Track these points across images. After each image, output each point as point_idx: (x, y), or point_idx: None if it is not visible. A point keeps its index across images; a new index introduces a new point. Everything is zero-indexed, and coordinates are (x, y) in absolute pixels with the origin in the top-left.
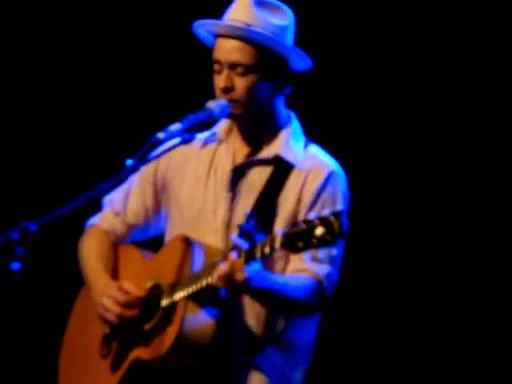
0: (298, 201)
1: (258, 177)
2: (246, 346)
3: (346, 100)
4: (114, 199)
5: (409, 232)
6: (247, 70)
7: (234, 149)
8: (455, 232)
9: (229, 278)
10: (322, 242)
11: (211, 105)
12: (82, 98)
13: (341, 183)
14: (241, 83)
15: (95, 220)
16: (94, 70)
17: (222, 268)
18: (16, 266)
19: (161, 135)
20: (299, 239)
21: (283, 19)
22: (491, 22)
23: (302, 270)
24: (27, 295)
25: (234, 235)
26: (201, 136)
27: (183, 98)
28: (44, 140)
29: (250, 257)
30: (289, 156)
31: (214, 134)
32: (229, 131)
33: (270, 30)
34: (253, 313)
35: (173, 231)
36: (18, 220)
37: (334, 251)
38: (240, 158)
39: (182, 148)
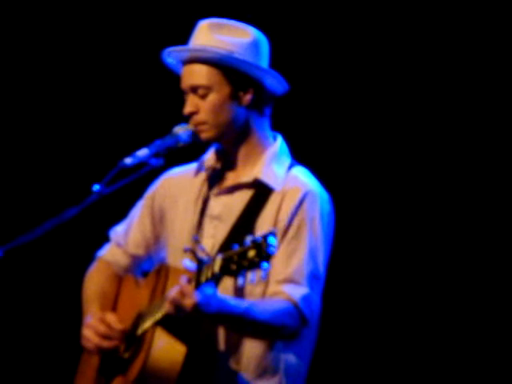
0: (275, 223)
1: (238, 201)
2: (227, 374)
3: (336, 122)
4: (117, 231)
5: (401, 246)
6: (208, 91)
7: (220, 175)
8: (449, 239)
9: (178, 303)
10: (252, 265)
11: (178, 130)
12: (50, 124)
13: (318, 204)
14: (204, 104)
15: (101, 252)
16: (62, 96)
17: (172, 294)
18: None
19: (128, 160)
20: (233, 262)
21: (243, 38)
22: (482, 22)
23: (276, 293)
24: None
25: (186, 260)
26: (194, 165)
27: (150, 123)
28: (9, 166)
29: (198, 282)
30: (268, 179)
31: (203, 163)
32: (216, 158)
33: (228, 49)
34: (229, 339)
35: (169, 260)
36: None
37: (312, 271)
38: (226, 184)
39: (178, 177)
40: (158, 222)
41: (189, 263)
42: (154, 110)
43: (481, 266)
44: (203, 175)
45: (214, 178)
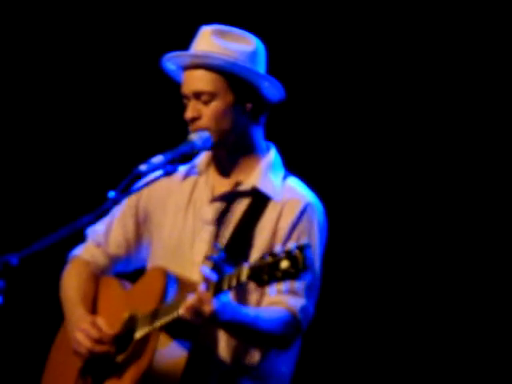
0: (274, 233)
1: (235, 209)
2: (221, 379)
3: (328, 134)
4: (96, 231)
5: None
6: (212, 97)
7: (213, 181)
8: (443, 242)
9: (196, 310)
10: (286, 275)
11: (193, 137)
12: (64, 131)
13: (317, 215)
14: (207, 111)
15: (77, 251)
16: (76, 103)
17: (190, 300)
18: None
19: (143, 167)
20: (264, 272)
21: (246, 46)
22: (482, 22)
23: (276, 302)
24: (9, 328)
25: (204, 267)
26: (182, 168)
27: (165, 130)
28: (24, 173)
29: (217, 289)
30: (266, 188)
31: (194, 167)
32: (208, 163)
33: (232, 56)
34: (226, 345)
35: (154, 263)
36: None
37: (310, 282)
38: (219, 190)
39: (164, 180)
40: (142, 223)
41: (208, 270)
42: (169, 117)
43: (480, 266)
44: (193, 179)
45: (206, 183)
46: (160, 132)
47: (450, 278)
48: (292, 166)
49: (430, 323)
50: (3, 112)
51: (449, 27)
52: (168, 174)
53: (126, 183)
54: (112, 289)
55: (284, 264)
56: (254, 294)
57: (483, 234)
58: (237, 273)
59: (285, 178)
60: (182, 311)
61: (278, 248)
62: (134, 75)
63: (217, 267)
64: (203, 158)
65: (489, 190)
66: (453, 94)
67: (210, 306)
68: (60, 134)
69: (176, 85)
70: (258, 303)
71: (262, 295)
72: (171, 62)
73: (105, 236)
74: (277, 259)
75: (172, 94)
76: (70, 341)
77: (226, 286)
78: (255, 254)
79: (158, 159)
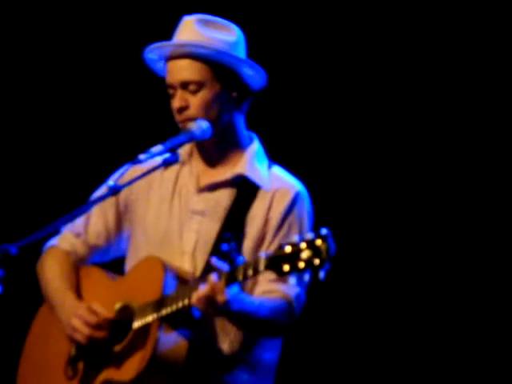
0: (266, 222)
1: (223, 198)
2: (216, 366)
3: (306, 120)
4: (74, 221)
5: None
6: (199, 87)
7: (197, 170)
8: (439, 239)
9: (209, 300)
10: (310, 265)
11: (192, 126)
12: (63, 121)
13: (305, 204)
14: (195, 100)
15: (54, 241)
16: (75, 95)
17: (203, 290)
18: None
19: (142, 157)
20: (285, 262)
21: (229, 35)
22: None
23: (272, 291)
24: (8, 317)
25: (214, 257)
26: (161, 157)
27: (164, 119)
28: (23, 163)
29: (231, 279)
30: (254, 177)
31: (175, 156)
32: (191, 153)
33: (216, 45)
34: (223, 333)
35: (136, 253)
36: None
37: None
38: (204, 180)
39: (145, 169)
40: (122, 213)
41: (218, 260)
42: (168, 107)
43: (481, 266)
44: (175, 169)
45: (190, 173)
46: (159, 121)
47: (445, 273)
48: (273, 155)
49: (425, 317)
50: (3, 104)
51: (448, 26)
52: (168, 163)
53: (125, 173)
54: (97, 279)
55: (305, 254)
56: (245, 284)
57: (482, 232)
58: (253, 262)
59: (269, 167)
60: (193, 301)
61: (295, 237)
62: (130, 68)
63: (228, 257)
64: (185, 146)
65: (489, 189)
66: (447, 89)
67: (223, 296)
68: (59, 124)
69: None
70: (251, 292)
71: (254, 284)
72: (154, 52)
73: (84, 226)
74: (297, 249)
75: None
76: (56, 328)
77: (241, 276)
78: (247, 244)
79: (157, 149)
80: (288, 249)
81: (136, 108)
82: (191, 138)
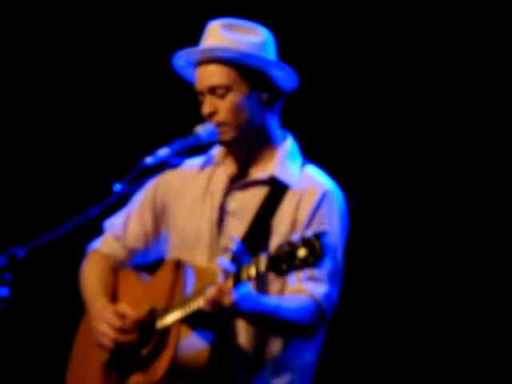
0: (294, 222)
1: (253, 198)
2: (245, 368)
3: (345, 121)
4: (114, 224)
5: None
6: (226, 91)
7: (230, 171)
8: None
9: (216, 302)
10: (304, 264)
11: (199, 129)
12: (71, 123)
13: (336, 202)
14: (223, 104)
15: (96, 244)
16: (83, 96)
17: (210, 292)
18: (3, 292)
19: (149, 160)
20: (283, 261)
21: (255, 37)
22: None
23: (299, 290)
24: (16, 321)
25: (222, 258)
26: (198, 160)
27: (171, 122)
28: (31, 165)
29: (237, 280)
30: (284, 177)
31: (211, 157)
32: (226, 154)
33: (242, 47)
34: (248, 335)
35: (172, 254)
36: (6, 246)
37: (333, 269)
38: (236, 180)
39: (181, 171)
40: (160, 215)
41: (225, 262)
42: (175, 109)
43: (482, 265)
44: (210, 170)
45: (224, 174)
46: (166, 124)
47: (445, 273)
48: (310, 154)
49: (425, 317)
50: (9, 103)
51: (454, 22)
52: (174, 166)
53: (132, 176)
54: (131, 281)
55: (302, 252)
56: (275, 284)
57: (484, 232)
58: (255, 263)
59: (303, 166)
60: (202, 303)
61: (295, 236)
62: (139, 69)
63: (235, 259)
64: (220, 148)
65: (490, 190)
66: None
67: (229, 298)
68: (67, 127)
69: (181, 79)
70: (281, 293)
71: (283, 285)
72: (182, 59)
73: (123, 229)
74: (294, 248)
75: (178, 87)
76: (93, 333)
77: (245, 277)
78: (275, 244)
79: (163, 151)
80: (286, 248)
81: (143, 110)
82: (198, 141)
